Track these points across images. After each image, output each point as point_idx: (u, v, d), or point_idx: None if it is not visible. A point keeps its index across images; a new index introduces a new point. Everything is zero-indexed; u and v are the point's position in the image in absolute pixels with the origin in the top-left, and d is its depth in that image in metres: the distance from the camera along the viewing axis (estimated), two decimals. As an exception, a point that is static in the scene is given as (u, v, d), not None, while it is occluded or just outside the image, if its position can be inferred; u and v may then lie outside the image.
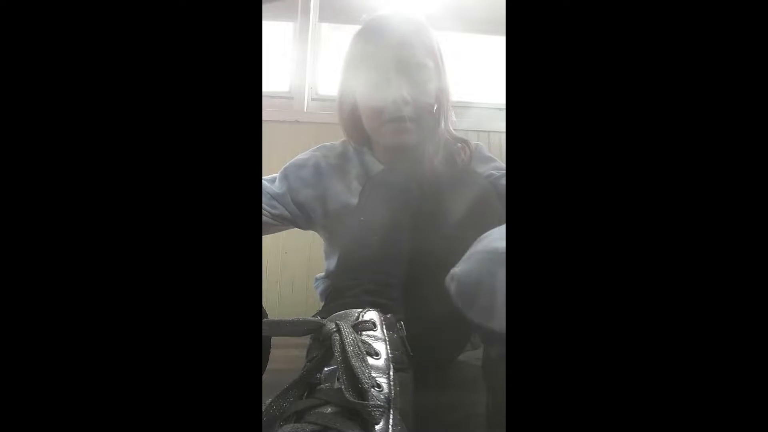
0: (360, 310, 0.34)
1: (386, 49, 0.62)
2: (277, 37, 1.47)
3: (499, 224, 0.40)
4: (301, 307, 1.17)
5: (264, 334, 0.35)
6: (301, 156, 0.70)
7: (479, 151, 0.71)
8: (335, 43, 1.51)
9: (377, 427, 0.26)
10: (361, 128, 0.68)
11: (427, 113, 0.65)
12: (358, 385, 0.27)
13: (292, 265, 1.21)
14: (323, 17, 1.49)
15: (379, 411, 0.26)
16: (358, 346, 0.29)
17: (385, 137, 0.65)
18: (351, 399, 0.26)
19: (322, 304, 0.57)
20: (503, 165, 0.68)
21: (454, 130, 0.72)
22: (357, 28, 0.68)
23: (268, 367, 0.39)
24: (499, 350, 0.34)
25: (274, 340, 0.39)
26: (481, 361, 0.41)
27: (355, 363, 0.28)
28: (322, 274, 0.71)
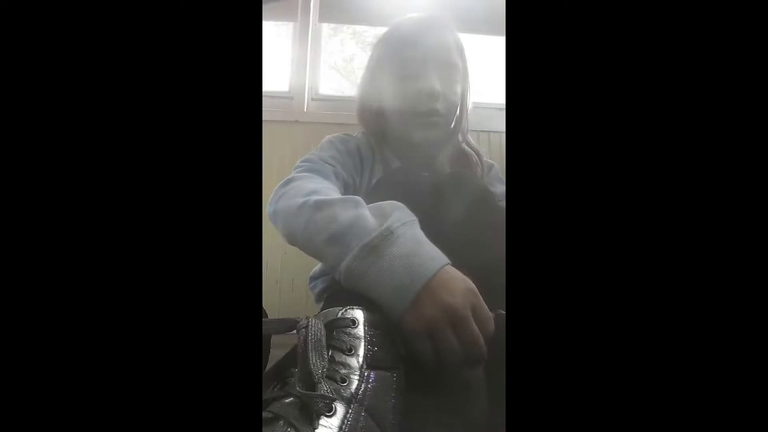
0: (342, 308, 0.34)
1: (420, 48, 0.64)
2: (277, 37, 1.47)
3: (501, 247, 0.41)
4: (301, 307, 1.17)
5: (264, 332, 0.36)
6: (339, 135, 0.71)
7: (495, 172, 0.74)
8: (335, 43, 1.52)
9: (330, 420, 0.26)
10: (382, 125, 0.70)
11: (454, 111, 0.68)
12: (308, 379, 0.27)
13: (292, 265, 1.21)
14: (323, 17, 1.49)
15: (324, 402, 0.26)
16: (320, 341, 0.30)
17: (413, 131, 0.66)
18: (299, 390, 0.26)
19: (319, 305, 0.57)
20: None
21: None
22: (383, 30, 0.72)
23: (268, 367, 0.39)
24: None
25: (274, 339, 0.39)
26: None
27: (311, 355, 0.28)
28: (317, 269, 0.69)
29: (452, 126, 0.69)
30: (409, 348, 0.37)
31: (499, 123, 1.40)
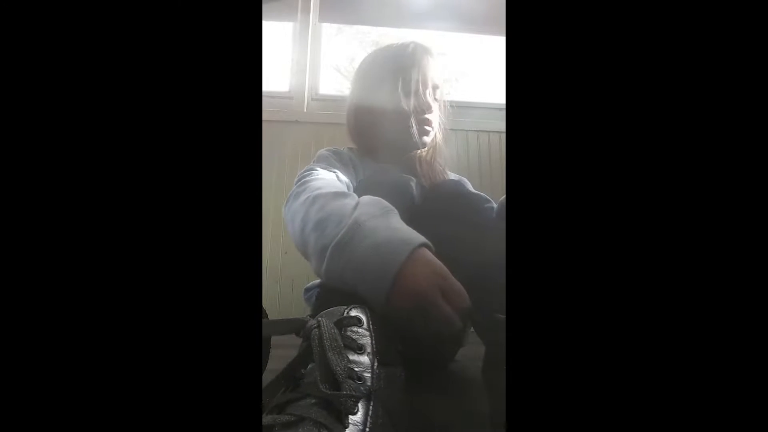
0: (345, 307, 0.34)
1: (417, 69, 0.76)
2: (277, 37, 1.47)
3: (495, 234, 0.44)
4: (301, 307, 1.17)
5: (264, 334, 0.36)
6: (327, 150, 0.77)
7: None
8: (337, 43, 1.52)
9: (354, 418, 0.26)
10: (376, 136, 0.77)
11: (438, 119, 0.79)
12: (333, 378, 0.27)
13: (292, 265, 1.21)
14: (323, 17, 1.49)
15: (351, 400, 0.27)
16: (336, 340, 0.30)
17: (412, 138, 0.75)
18: (324, 390, 0.26)
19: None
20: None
21: (453, 129, 0.86)
22: (383, 35, 0.85)
23: (268, 367, 0.39)
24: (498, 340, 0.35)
25: (274, 339, 0.39)
26: (482, 362, 0.41)
27: (331, 355, 0.28)
28: (317, 282, 0.69)
29: (438, 131, 0.80)
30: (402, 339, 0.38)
31: (499, 123, 1.40)
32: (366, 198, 0.46)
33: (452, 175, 0.84)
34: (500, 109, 1.46)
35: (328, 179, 0.59)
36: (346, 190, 0.52)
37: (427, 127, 0.76)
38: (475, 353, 0.44)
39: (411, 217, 0.48)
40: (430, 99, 0.76)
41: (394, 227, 0.42)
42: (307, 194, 0.51)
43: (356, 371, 0.29)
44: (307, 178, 0.58)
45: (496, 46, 1.55)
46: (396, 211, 0.45)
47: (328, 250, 0.42)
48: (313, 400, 0.27)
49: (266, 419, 0.26)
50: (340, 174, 0.66)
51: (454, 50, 1.59)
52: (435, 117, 0.78)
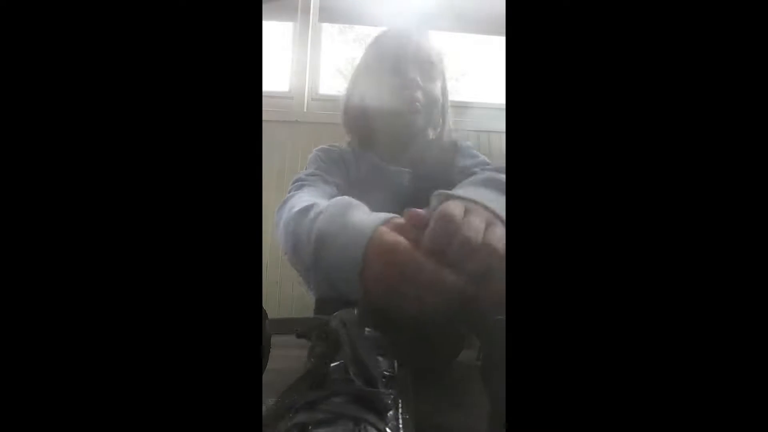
0: (352, 309, 0.34)
1: (401, 49, 0.72)
2: (277, 37, 1.48)
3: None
4: (301, 307, 1.17)
5: (270, 332, 0.36)
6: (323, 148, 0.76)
7: (467, 150, 0.77)
8: (338, 43, 1.52)
9: (390, 414, 0.27)
10: (368, 124, 0.75)
11: (433, 105, 0.73)
12: (367, 375, 0.28)
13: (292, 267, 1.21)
14: (323, 17, 1.49)
15: (390, 398, 0.27)
16: (366, 339, 0.31)
17: (397, 119, 0.70)
18: (364, 388, 0.27)
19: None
20: (487, 161, 0.75)
21: (455, 130, 0.81)
22: (370, 38, 0.80)
23: (268, 367, 0.39)
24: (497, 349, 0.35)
25: (274, 339, 0.39)
26: (481, 362, 0.41)
27: (364, 354, 0.29)
28: None
29: (434, 118, 0.75)
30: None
31: (499, 123, 1.40)
32: (332, 201, 0.46)
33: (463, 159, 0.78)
34: (500, 109, 1.46)
35: (306, 190, 0.60)
36: (313, 201, 0.50)
37: (413, 105, 0.70)
38: (475, 353, 0.44)
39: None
40: (415, 76, 0.71)
41: (351, 223, 0.40)
42: (284, 217, 0.52)
43: (385, 370, 0.30)
44: (288, 196, 0.60)
45: (496, 46, 1.55)
46: (359, 204, 0.44)
47: (310, 274, 0.43)
48: (346, 398, 0.27)
49: (299, 417, 0.25)
50: (326, 175, 0.66)
51: (454, 50, 1.59)
52: (425, 95, 0.71)
